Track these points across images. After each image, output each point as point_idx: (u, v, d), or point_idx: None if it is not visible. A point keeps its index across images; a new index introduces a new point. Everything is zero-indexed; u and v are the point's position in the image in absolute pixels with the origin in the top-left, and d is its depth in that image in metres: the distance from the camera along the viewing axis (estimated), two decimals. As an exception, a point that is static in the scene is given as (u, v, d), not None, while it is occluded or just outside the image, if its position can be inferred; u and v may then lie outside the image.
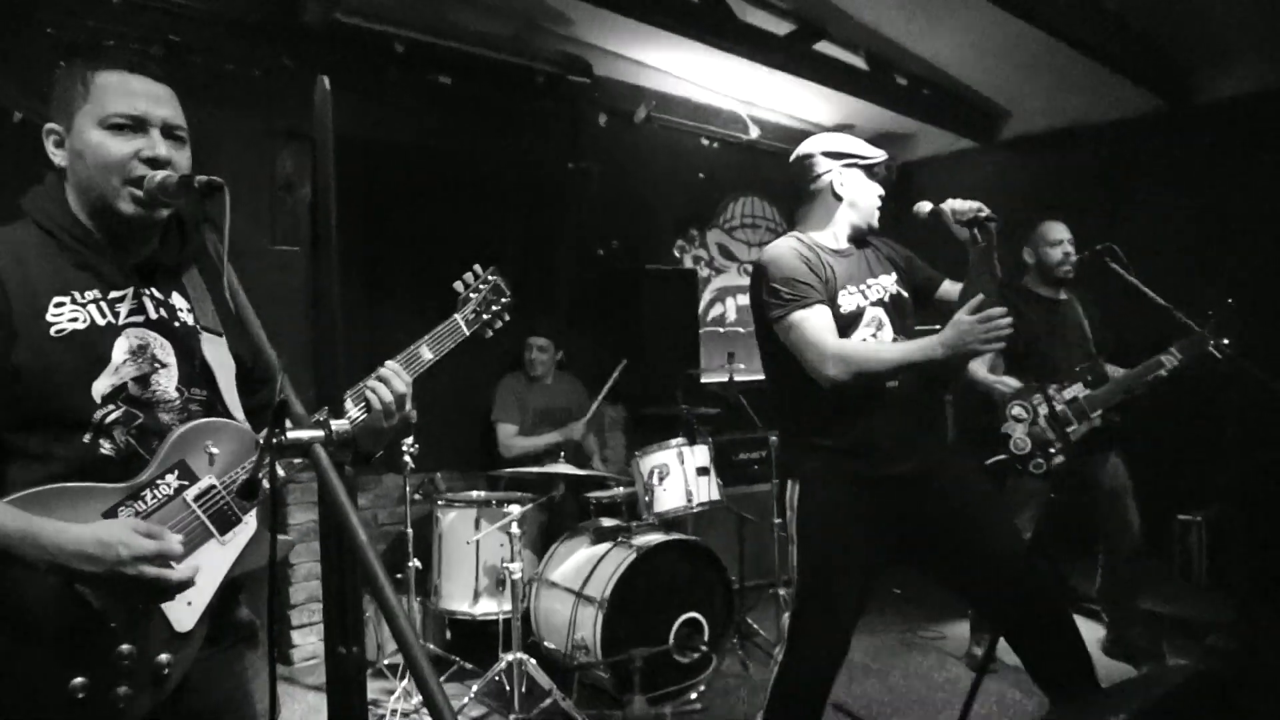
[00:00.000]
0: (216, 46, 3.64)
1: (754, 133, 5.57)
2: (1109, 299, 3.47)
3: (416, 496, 3.58)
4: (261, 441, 0.96)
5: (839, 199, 2.41)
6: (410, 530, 3.46)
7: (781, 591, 4.12)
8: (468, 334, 1.75)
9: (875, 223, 2.44)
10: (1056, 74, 4.60)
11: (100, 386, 1.30)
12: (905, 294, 2.44)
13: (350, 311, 3.88)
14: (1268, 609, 3.70)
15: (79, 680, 1.21)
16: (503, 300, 1.84)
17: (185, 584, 1.26)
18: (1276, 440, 3.50)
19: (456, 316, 1.74)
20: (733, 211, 5.76)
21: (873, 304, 2.35)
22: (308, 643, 3.86)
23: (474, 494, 3.75)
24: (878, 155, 2.44)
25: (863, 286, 2.37)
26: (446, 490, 4.03)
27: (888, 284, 2.41)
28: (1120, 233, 3.42)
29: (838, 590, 2.27)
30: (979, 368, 3.36)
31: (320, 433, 0.94)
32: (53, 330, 1.28)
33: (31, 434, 1.27)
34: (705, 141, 5.53)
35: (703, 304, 5.48)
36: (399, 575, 3.51)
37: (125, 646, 1.24)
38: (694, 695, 3.35)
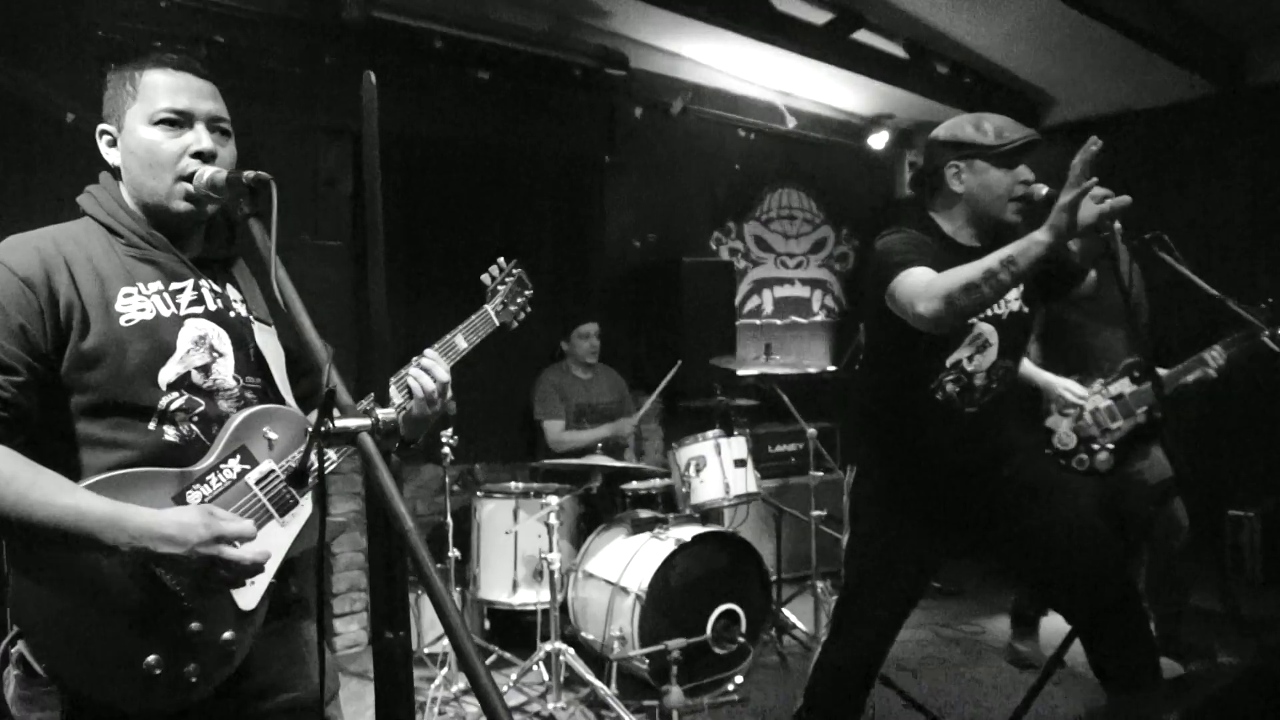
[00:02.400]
0: (260, 46, 3.71)
1: (791, 123, 5.53)
2: (1159, 289, 3.39)
3: (455, 487, 3.62)
4: (310, 429, 0.98)
5: (956, 195, 2.21)
6: (450, 520, 3.50)
7: (819, 584, 4.10)
8: (497, 324, 1.81)
9: (1009, 216, 2.18)
10: (1102, 58, 4.49)
11: (166, 374, 1.35)
12: (1027, 310, 2.26)
13: (390, 303, 3.93)
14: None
15: (153, 658, 1.25)
16: (526, 293, 1.92)
17: (259, 566, 1.29)
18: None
19: (487, 307, 1.81)
20: (770, 203, 5.72)
21: (982, 319, 2.18)
22: (350, 630, 3.93)
23: (512, 485, 3.79)
24: (1006, 140, 2.17)
25: None
26: (485, 481, 4.07)
27: (1011, 297, 2.20)
28: (1169, 221, 3.33)
29: (889, 581, 2.25)
30: (1035, 370, 3.30)
31: (367, 421, 0.96)
32: (122, 320, 1.33)
33: (102, 421, 1.31)
34: (742, 133, 5.50)
35: (739, 296, 5.46)
36: (439, 565, 3.56)
37: (195, 625, 1.29)
38: (731, 686, 3.35)
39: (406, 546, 0.85)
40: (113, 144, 1.43)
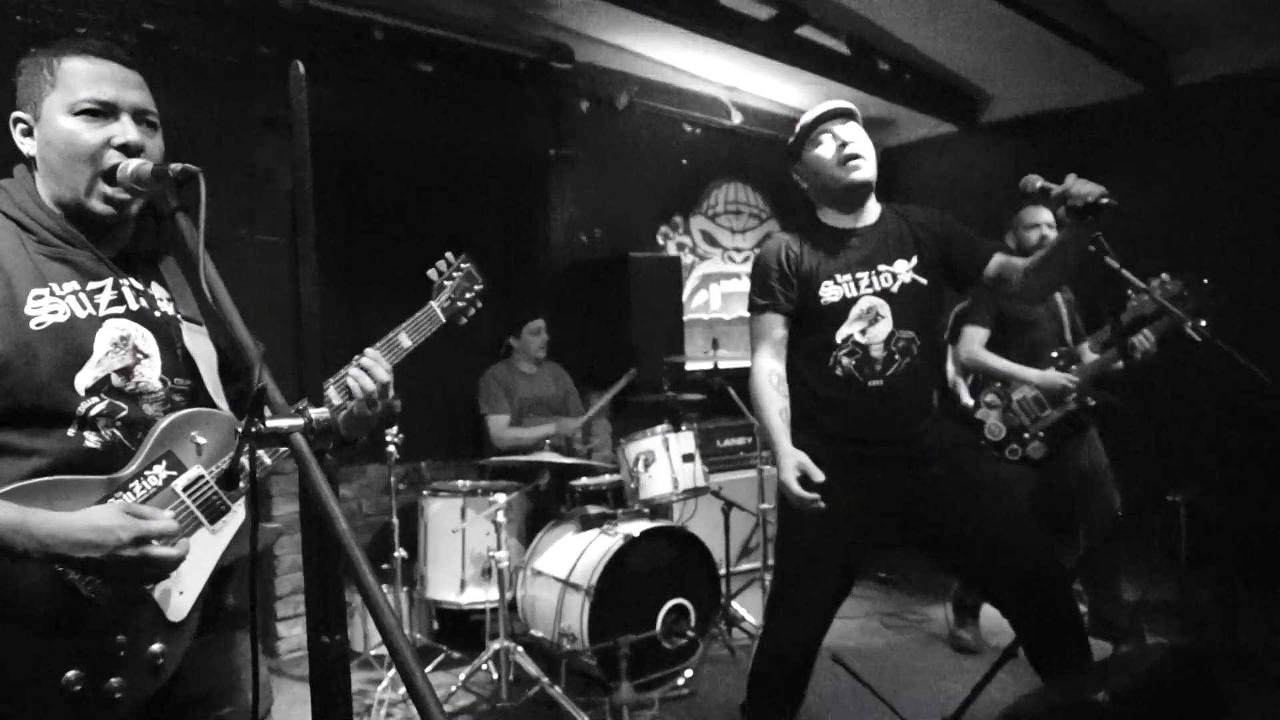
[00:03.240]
0: (191, 34, 3.59)
1: (737, 118, 5.56)
2: (1088, 282, 3.50)
3: (401, 486, 3.57)
4: (240, 431, 0.95)
5: (815, 174, 2.40)
6: (396, 520, 3.45)
7: (768, 577, 4.14)
8: (444, 320, 1.77)
9: (852, 178, 2.31)
10: (1036, 58, 4.62)
11: (83, 379, 1.28)
12: (924, 281, 2.32)
13: (331, 300, 3.85)
14: (1246, 588, 3.75)
15: (73, 673, 1.19)
16: (475, 288, 1.86)
17: (180, 560, 1.24)
18: (1254, 420, 3.54)
19: (433, 304, 1.77)
20: (716, 198, 5.75)
21: (870, 294, 2.30)
22: (294, 634, 3.85)
23: (459, 483, 3.75)
24: (802, 125, 2.40)
25: (859, 276, 2.32)
26: (432, 480, 4.02)
27: (900, 270, 2.32)
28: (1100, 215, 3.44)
29: (815, 573, 2.29)
30: (988, 357, 3.38)
31: (299, 421, 0.93)
32: (32, 323, 1.26)
33: (15, 429, 1.24)
34: (688, 127, 5.52)
35: (687, 291, 5.48)
36: (385, 565, 3.50)
37: (118, 637, 1.24)
38: (681, 680, 3.37)
39: (341, 550, 0.83)
40: (28, 133, 1.35)
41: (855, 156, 2.30)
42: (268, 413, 0.96)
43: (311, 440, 0.92)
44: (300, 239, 0.94)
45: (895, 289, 2.31)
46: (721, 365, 4.32)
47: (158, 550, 1.20)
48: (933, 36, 4.65)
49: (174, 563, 1.23)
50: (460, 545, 3.52)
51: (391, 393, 1.50)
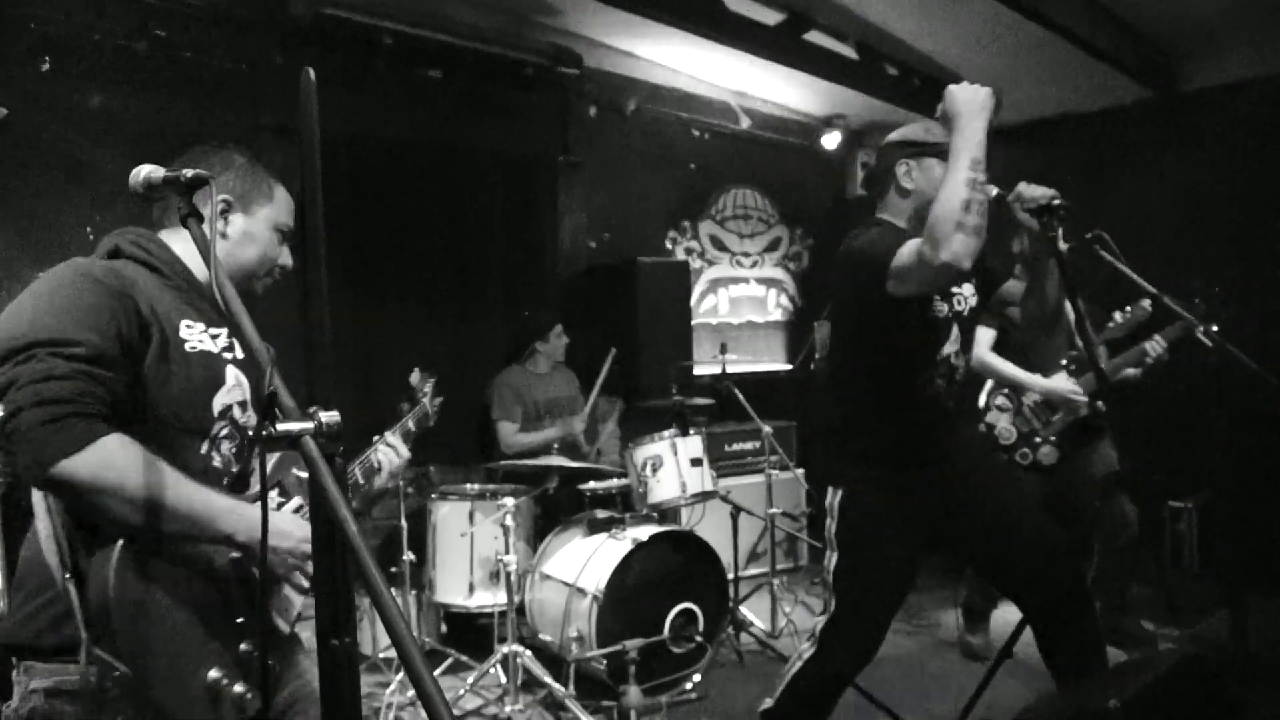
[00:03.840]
0: (203, 41, 3.61)
1: (745, 123, 5.56)
2: (1098, 287, 3.49)
3: (410, 490, 3.58)
4: (251, 434, 0.98)
5: (907, 191, 2.26)
6: (405, 524, 3.46)
7: (775, 581, 4.14)
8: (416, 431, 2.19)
9: None
10: (1044, 63, 4.60)
11: (218, 402, 1.45)
12: (976, 305, 2.32)
13: (339, 306, 3.87)
14: (1256, 595, 3.72)
15: (214, 673, 1.28)
16: (437, 400, 2.37)
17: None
18: (1264, 426, 3.52)
19: (408, 419, 2.20)
20: (724, 203, 5.76)
21: (954, 314, 2.24)
22: (303, 636, 3.85)
23: (468, 487, 3.75)
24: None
25: (954, 293, 2.23)
26: (440, 483, 4.03)
27: (968, 293, 2.27)
28: (1107, 221, 3.44)
29: (882, 599, 2.28)
30: (996, 360, 3.36)
31: (310, 424, 0.94)
32: (186, 346, 1.42)
33: (164, 435, 1.35)
34: (696, 132, 5.52)
35: (695, 295, 5.48)
36: (394, 569, 3.51)
37: (244, 645, 1.34)
38: (689, 685, 3.36)
39: (351, 553, 0.83)
40: (225, 212, 1.55)
41: None
42: (278, 415, 0.96)
43: (322, 444, 0.93)
44: (310, 245, 0.95)
45: (965, 312, 2.28)
46: (729, 370, 4.33)
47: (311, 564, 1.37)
48: (941, 42, 4.65)
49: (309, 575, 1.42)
50: (469, 549, 3.53)
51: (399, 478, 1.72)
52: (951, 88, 2.03)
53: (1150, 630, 3.56)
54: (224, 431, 1.46)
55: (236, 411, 1.49)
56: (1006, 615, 3.50)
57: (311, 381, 1.04)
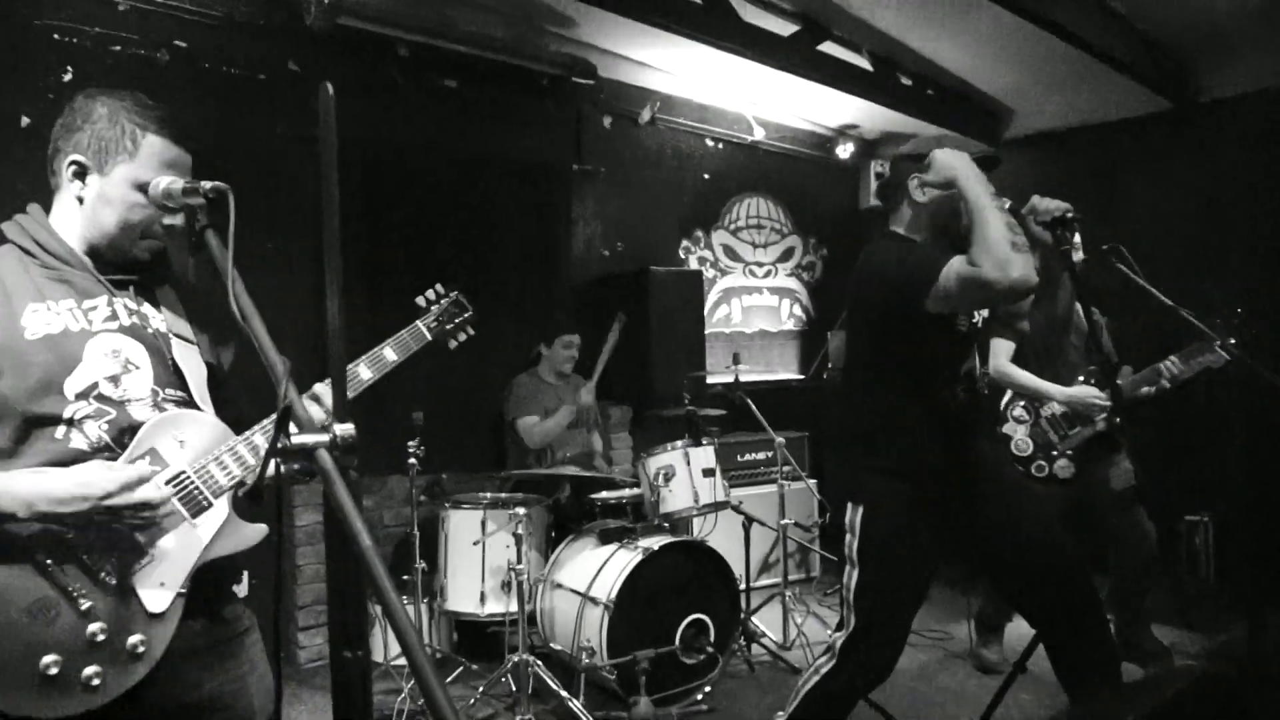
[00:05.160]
0: (222, 51, 3.66)
1: (758, 133, 5.57)
2: (1115, 299, 3.47)
3: (422, 498, 3.59)
4: (266, 446, 0.97)
5: (920, 205, 2.26)
6: (416, 532, 3.47)
7: (787, 593, 4.12)
8: (430, 338, 1.91)
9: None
10: (1059, 74, 4.59)
11: (73, 384, 1.37)
12: (987, 319, 2.34)
13: (353, 313, 3.88)
14: (1273, 608, 3.68)
15: (49, 658, 1.24)
16: (465, 314, 2.03)
17: (164, 499, 1.35)
18: (1284, 439, 3.49)
19: (419, 322, 1.91)
20: (738, 212, 5.76)
21: (972, 328, 2.26)
22: (314, 644, 3.87)
23: (480, 495, 3.76)
24: (986, 150, 2.25)
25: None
26: (453, 492, 4.04)
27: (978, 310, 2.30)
28: (1123, 232, 3.42)
29: (902, 614, 2.28)
30: (1015, 371, 3.34)
31: (324, 436, 0.95)
32: (27, 334, 1.36)
33: (4, 430, 1.33)
34: (710, 142, 5.53)
35: (708, 305, 5.48)
36: (405, 577, 3.52)
37: (96, 625, 1.29)
38: (700, 696, 3.35)
39: (364, 565, 0.84)
40: (80, 175, 1.44)
41: None
42: (293, 428, 0.97)
43: (336, 456, 0.94)
44: (328, 259, 0.96)
45: (979, 323, 2.30)
46: (742, 379, 4.32)
47: (141, 492, 1.30)
48: (955, 52, 4.64)
49: (160, 502, 1.33)
50: (480, 557, 3.53)
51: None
52: (932, 155, 2.13)
53: (1166, 645, 3.52)
54: (85, 412, 1.36)
55: (106, 386, 1.39)
56: (1020, 628, 3.46)
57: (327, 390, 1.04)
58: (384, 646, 3.65)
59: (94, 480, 1.28)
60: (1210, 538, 4.27)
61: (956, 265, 2.02)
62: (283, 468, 1.43)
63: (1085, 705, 2.18)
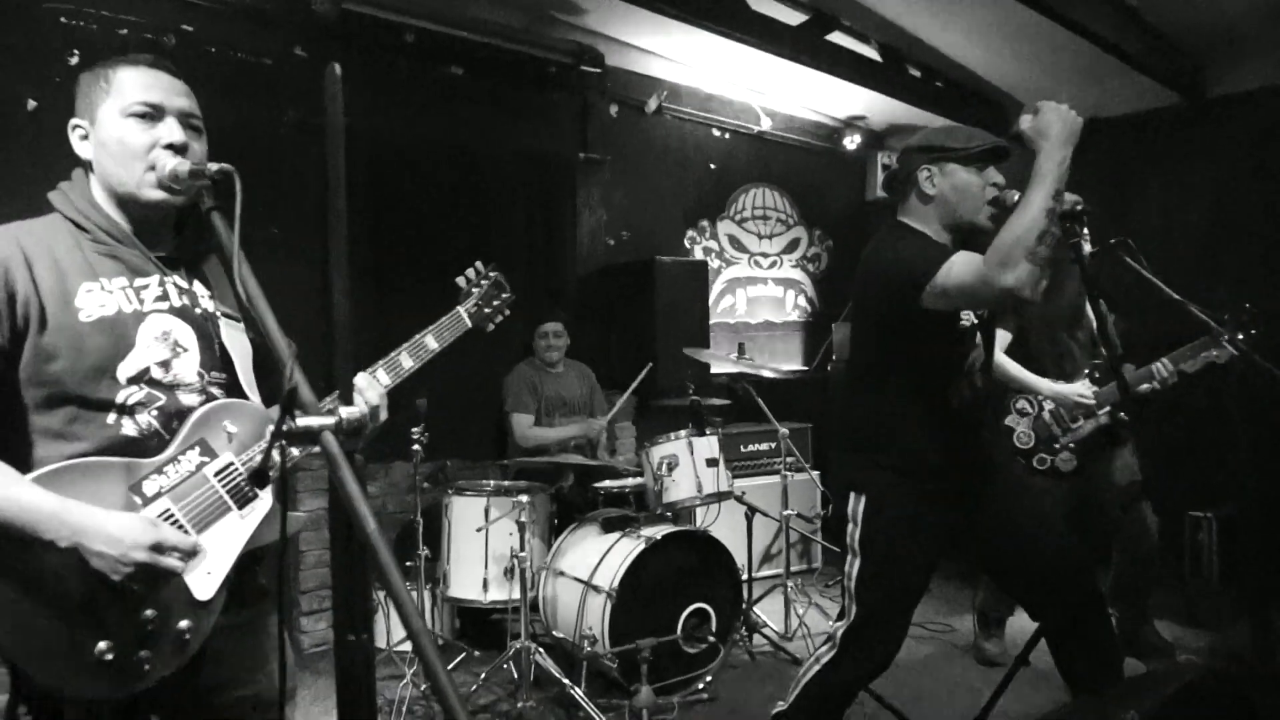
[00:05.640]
0: (228, 37, 3.65)
1: (765, 124, 5.55)
2: (1122, 293, 3.45)
3: (425, 485, 3.59)
4: (271, 428, 0.97)
5: (929, 197, 2.23)
6: (420, 519, 3.48)
7: (789, 583, 4.12)
8: (470, 325, 1.84)
9: (981, 219, 2.21)
10: (1070, 67, 4.56)
11: (126, 369, 1.37)
12: (993, 312, 2.33)
13: (359, 300, 3.89)
14: (1278, 606, 3.67)
15: (103, 644, 1.26)
16: (503, 295, 1.94)
17: (180, 571, 1.32)
18: (1290, 436, 3.47)
19: (459, 309, 1.84)
20: (744, 203, 5.74)
21: (978, 321, 2.24)
22: (317, 629, 3.89)
23: (484, 483, 3.77)
24: (974, 144, 2.21)
25: None
26: (457, 479, 4.04)
27: None
28: (1133, 226, 3.41)
29: (903, 606, 2.27)
30: (1007, 363, 3.33)
31: (330, 420, 0.95)
32: (81, 314, 1.35)
33: (58, 413, 1.32)
34: (716, 132, 5.51)
35: (713, 295, 5.47)
36: (408, 563, 3.53)
37: (148, 612, 1.31)
38: (701, 685, 3.36)
39: (369, 550, 0.84)
40: (84, 138, 1.44)
41: (1000, 206, 2.19)
42: (298, 411, 0.97)
43: (342, 440, 0.93)
44: (333, 242, 0.95)
45: (985, 316, 2.28)
46: (746, 370, 4.31)
47: (165, 561, 1.28)
48: (964, 44, 4.61)
49: (177, 573, 1.31)
50: (483, 544, 3.54)
51: (383, 414, 1.50)
52: (1046, 105, 1.95)
53: (1170, 641, 3.52)
54: (137, 398, 1.36)
55: (157, 371, 1.39)
56: (1022, 622, 3.47)
57: (332, 376, 1.04)
58: (387, 632, 3.66)
59: (132, 530, 1.26)
60: (1215, 534, 4.26)
61: (960, 262, 1.99)
62: (295, 450, 1.46)
63: (1087, 699, 2.18)
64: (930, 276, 2.00)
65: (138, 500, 1.33)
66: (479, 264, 1.93)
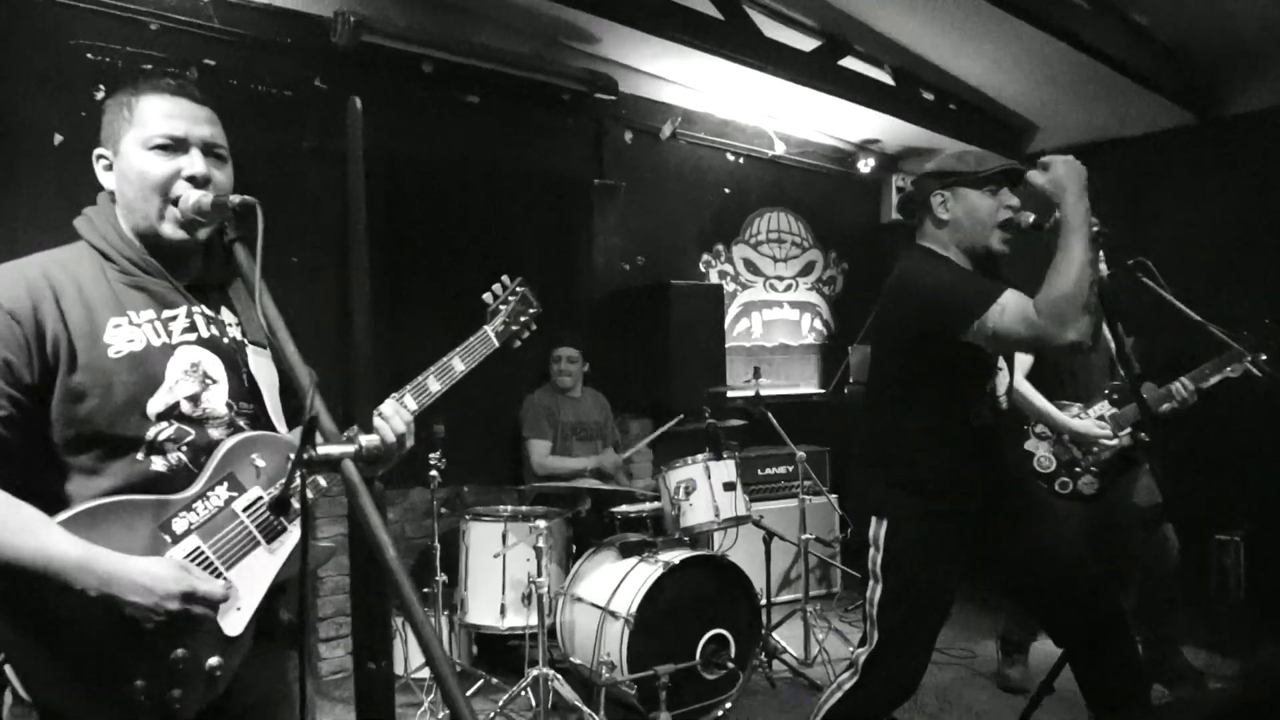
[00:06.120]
0: (250, 68, 3.72)
1: (779, 148, 5.57)
2: (1141, 313, 3.43)
3: (443, 510, 3.60)
4: (293, 457, 0.98)
5: (943, 222, 2.25)
6: (437, 544, 3.48)
7: (809, 608, 4.08)
8: (498, 345, 1.78)
9: (996, 244, 2.21)
10: (1084, 87, 4.56)
11: (155, 405, 1.35)
12: None
13: (378, 327, 3.92)
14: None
15: (140, 683, 1.25)
16: (530, 310, 1.88)
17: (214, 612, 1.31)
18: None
19: (486, 328, 1.78)
20: (758, 226, 5.76)
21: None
22: (335, 656, 3.88)
23: (501, 508, 3.77)
24: (987, 167, 2.22)
25: None
26: (474, 504, 4.05)
27: None
28: (1149, 246, 3.38)
29: (926, 631, 2.26)
30: (1029, 391, 3.32)
31: (350, 448, 0.95)
32: (110, 351, 1.33)
33: (89, 452, 1.31)
34: (730, 157, 5.54)
35: (728, 319, 5.47)
36: (426, 589, 3.52)
37: (180, 651, 1.29)
38: (720, 712, 3.32)
39: (389, 577, 0.84)
40: (109, 169, 1.43)
41: (1014, 228, 2.21)
42: (319, 439, 0.98)
43: (362, 468, 0.94)
44: (354, 273, 0.97)
45: None
46: (763, 393, 4.31)
47: (198, 610, 1.27)
48: (978, 67, 4.63)
49: (208, 621, 1.30)
50: (501, 570, 3.53)
51: (410, 441, 1.48)
52: (1055, 159, 2.03)
53: (1198, 669, 3.45)
54: (166, 434, 1.34)
55: (186, 406, 1.36)
56: (1045, 647, 3.41)
57: (353, 405, 1.05)
58: (404, 659, 3.65)
59: (165, 578, 1.24)
60: (1241, 557, 4.19)
61: (1013, 308, 1.98)
62: (319, 479, 1.45)
63: (1112, 727, 2.15)
64: (978, 315, 2.01)
65: (167, 538, 1.32)
66: (505, 278, 1.87)
